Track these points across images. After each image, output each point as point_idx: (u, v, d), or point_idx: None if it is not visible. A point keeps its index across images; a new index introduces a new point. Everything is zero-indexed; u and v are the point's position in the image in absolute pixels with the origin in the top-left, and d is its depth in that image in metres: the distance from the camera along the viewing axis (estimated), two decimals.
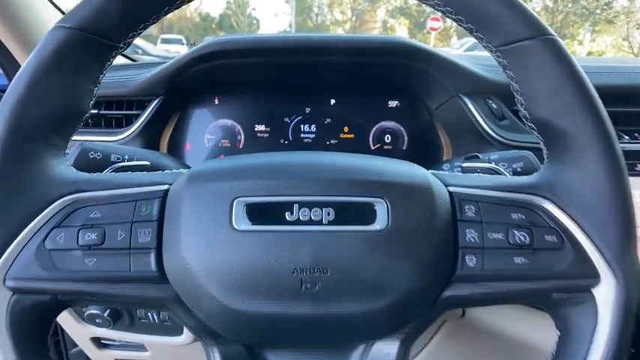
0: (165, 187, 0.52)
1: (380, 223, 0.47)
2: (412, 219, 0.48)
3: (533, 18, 0.47)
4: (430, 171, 0.61)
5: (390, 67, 0.95)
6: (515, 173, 0.70)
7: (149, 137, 0.97)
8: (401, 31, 40.20)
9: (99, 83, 0.52)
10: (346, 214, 0.48)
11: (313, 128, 1.04)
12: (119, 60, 1.45)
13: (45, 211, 0.46)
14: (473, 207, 0.51)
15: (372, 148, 1.05)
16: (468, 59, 0.97)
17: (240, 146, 1.04)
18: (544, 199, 0.50)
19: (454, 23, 0.51)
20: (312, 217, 0.47)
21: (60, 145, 0.50)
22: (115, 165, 0.62)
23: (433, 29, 21.25)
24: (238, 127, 1.03)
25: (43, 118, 0.47)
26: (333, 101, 1.05)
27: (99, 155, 0.68)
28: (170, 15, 0.54)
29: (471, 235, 0.49)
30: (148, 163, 0.64)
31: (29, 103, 0.46)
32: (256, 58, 0.90)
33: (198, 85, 1.00)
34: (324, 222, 0.47)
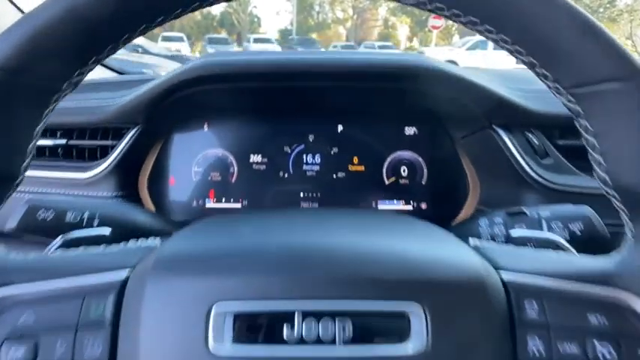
0: (125, 274, 0.39)
1: (415, 343, 0.34)
2: (459, 330, 0.36)
3: (623, 53, 0.33)
4: (471, 242, 0.47)
5: (409, 91, 0.81)
6: (572, 237, 0.57)
7: (126, 172, 0.82)
8: (402, 30, 39.94)
9: (36, 136, 0.38)
10: (369, 328, 0.35)
11: (317, 159, 0.90)
12: (99, 73, 1.31)
13: None
14: (535, 304, 0.39)
15: (387, 182, 0.90)
16: (504, 80, 0.83)
17: (233, 180, 0.89)
18: (632, 295, 0.37)
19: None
20: (321, 335, 0.34)
21: None
22: (66, 237, 0.48)
23: (435, 27, 21.11)
24: (231, 158, 0.89)
25: None
26: (340, 128, 0.91)
27: (50, 214, 0.54)
28: None
29: (534, 344, 0.37)
30: (107, 233, 0.50)
31: None
32: (251, 82, 0.76)
33: (183, 110, 0.85)
34: (337, 341, 0.34)
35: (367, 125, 0.91)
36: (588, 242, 0.57)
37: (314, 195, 0.90)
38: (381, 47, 20.64)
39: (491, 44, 15.60)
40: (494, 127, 0.78)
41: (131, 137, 0.80)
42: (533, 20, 0.33)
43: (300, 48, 19.82)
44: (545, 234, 0.52)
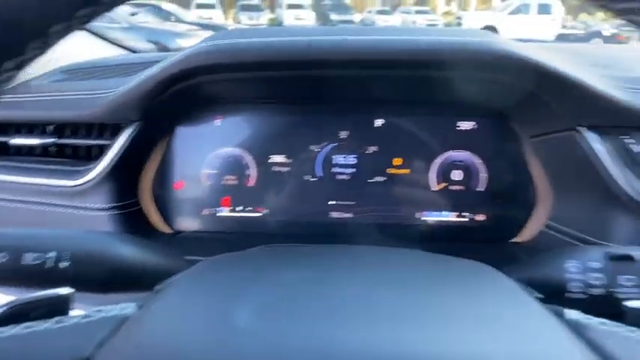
0: None
1: None
2: None
3: None
4: (568, 315, 0.34)
5: (469, 78, 0.64)
6: None
7: (124, 178, 0.70)
8: None
9: None
10: None
11: (352, 160, 0.75)
12: (108, 50, 1.18)
13: None
14: None
15: (435, 187, 0.75)
16: (593, 65, 0.64)
17: (251, 184, 0.75)
18: None
19: None
20: None
21: None
22: (14, 304, 0.35)
23: None
24: (248, 158, 0.75)
25: None
26: (379, 122, 0.74)
27: (3, 256, 0.42)
28: None
29: None
30: (67, 293, 0.37)
31: None
32: (266, 71, 0.60)
33: (189, 102, 0.71)
34: None
35: (412, 118, 0.74)
36: None
37: (346, 203, 0.75)
38: (417, 12, 19.68)
39: (533, 8, 14.56)
40: (579, 129, 0.60)
41: (129, 136, 0.67)
42: None
43: (333, 14, 19.16)
44: None
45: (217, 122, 0.75)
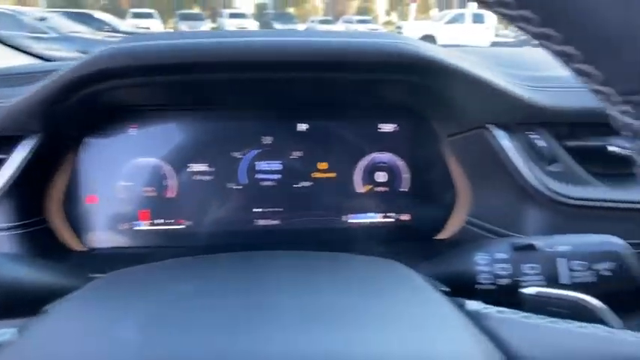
0: None
1: None
2: None
3: None
4: (469, 306, 0.34)
5: (387, 81, 0.65)
6: (601, 280, 0.43)
7: (27, 192, 0.64)
8: (381, 3, 39.22)
9: None
10: None
11: (276, 166, 0.74)
12: (21, 58, 1.11)
13: None
14: None
15: (360, 190, 0.75)
16: (498, 64, 0.67)
17: (172, 195, 0.72)
18: None
19: None
20: None
21: None
22: None
23: (414, 0, 20.82)
24: (166, 168, 0.72)
25: None
26: (303, 126, 0.74)
27: None
28: None
29: None
30: None
31: None
32: (184, 75, 0.58)
33: (99, 110, 0.67)
34: None
35: (335, 122, 0.74)
36: (620, 284, 0.44)
37: (272, 210, 0.74)
38: (359, 22, 20.14)
39: (468, 18, 15.34)
40: (487, 126, 0.62)
41: (31, 149, 0.62)
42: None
43: (276, 23, 19.22)
44: (573, 295, 0.38)
45: (132, 131, 0.71)
